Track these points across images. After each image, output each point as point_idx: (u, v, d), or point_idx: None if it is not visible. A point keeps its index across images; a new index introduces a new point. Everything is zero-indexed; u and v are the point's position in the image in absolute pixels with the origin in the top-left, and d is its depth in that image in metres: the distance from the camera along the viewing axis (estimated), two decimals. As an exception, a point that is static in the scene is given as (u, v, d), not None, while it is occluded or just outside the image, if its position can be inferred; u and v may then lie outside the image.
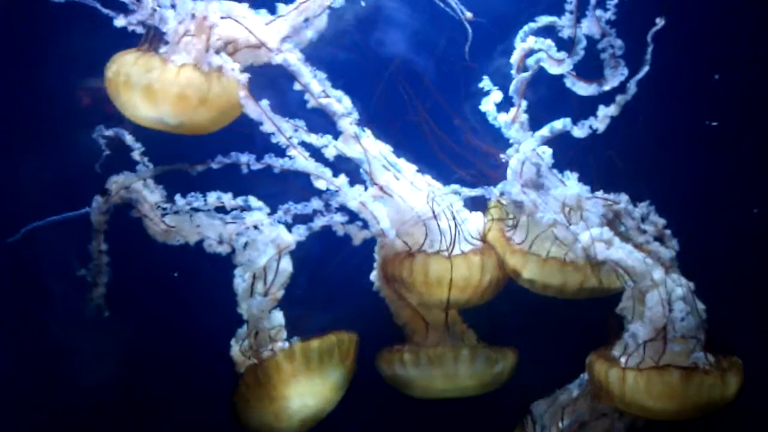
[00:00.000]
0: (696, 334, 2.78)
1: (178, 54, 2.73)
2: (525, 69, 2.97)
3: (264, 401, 2.90)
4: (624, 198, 2.96)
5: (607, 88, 2.87)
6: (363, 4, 3.02)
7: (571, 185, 2.97)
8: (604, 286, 2.96)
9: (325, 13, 2.86)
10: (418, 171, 3.05)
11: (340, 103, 2.86)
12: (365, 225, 2.97)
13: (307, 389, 2.92)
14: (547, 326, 3.32)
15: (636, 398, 2.75)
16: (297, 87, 2.81)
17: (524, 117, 3.00)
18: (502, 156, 3.05)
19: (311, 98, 2.81)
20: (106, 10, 2.73)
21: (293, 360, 2.90)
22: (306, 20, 2.87)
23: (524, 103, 2.98)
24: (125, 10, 2.74)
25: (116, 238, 2.90)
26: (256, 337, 2.98)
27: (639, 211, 2.96)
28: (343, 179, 2.90)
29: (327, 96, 2.83)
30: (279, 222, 2.93)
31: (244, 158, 2.83)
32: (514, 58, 2.97)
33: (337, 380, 3.00)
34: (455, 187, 3.01)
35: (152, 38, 2.75)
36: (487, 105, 2.99)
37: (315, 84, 2.81)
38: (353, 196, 2.90)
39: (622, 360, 2.83)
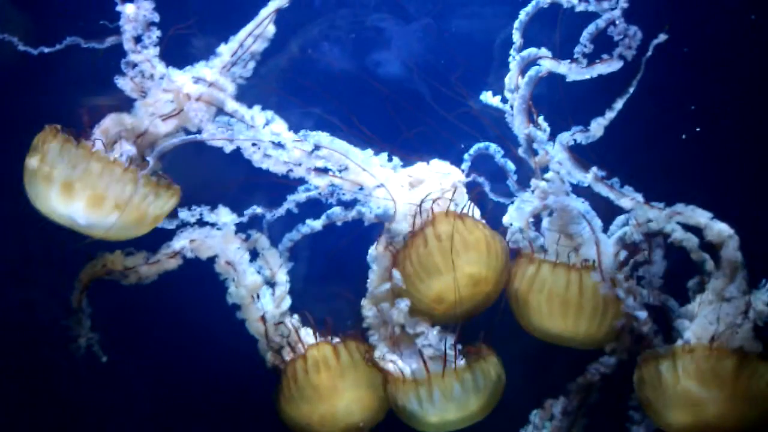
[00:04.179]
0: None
1: (112, 150, 2.61)
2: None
3: (311, 397, 2.84)
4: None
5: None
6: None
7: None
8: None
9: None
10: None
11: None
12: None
13: (354, 391, 2.86)
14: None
15: (688, 386, 2.68)
16: (287, 157, 2.72)
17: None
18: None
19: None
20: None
21: (341, 356, 2.85)
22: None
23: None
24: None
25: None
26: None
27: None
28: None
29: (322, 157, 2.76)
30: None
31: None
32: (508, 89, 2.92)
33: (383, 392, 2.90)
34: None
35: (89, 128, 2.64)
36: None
37: (303, 154, 2.73)
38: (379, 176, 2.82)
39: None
